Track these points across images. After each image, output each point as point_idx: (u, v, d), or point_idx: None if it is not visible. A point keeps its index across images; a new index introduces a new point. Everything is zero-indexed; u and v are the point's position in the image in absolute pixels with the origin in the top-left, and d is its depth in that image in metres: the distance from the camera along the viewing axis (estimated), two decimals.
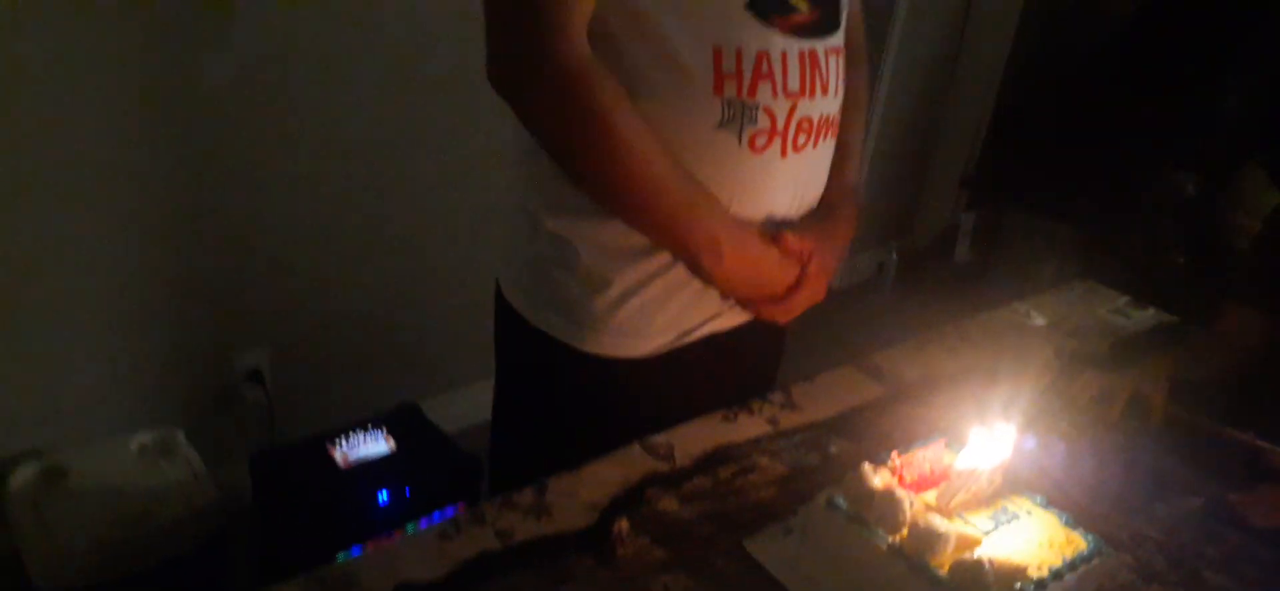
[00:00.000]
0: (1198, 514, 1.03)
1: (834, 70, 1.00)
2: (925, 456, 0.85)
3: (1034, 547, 0.79)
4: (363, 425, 1.78)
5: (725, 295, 1.02)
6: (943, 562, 0.74)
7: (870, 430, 1.07)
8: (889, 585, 0.74)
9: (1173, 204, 2.89)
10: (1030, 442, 0.93)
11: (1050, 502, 0.86)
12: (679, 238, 0.95)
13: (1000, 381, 1.17)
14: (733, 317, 1.06)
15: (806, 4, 0.95)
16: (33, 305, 1.63)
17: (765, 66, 0.92)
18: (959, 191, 3.51)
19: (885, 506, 0.77)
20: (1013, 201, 3.37)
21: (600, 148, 0.90)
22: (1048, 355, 1.31)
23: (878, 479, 0.82)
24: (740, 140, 0.93)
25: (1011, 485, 0.87)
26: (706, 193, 0.94)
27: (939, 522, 0.76)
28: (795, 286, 1.02)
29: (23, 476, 1.62)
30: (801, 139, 0.98)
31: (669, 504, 0.89)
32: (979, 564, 0.73)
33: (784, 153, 0.96)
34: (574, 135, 0.90)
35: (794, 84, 0.95)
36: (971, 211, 3.48)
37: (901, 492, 0.79)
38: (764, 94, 0.93)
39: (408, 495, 1.69)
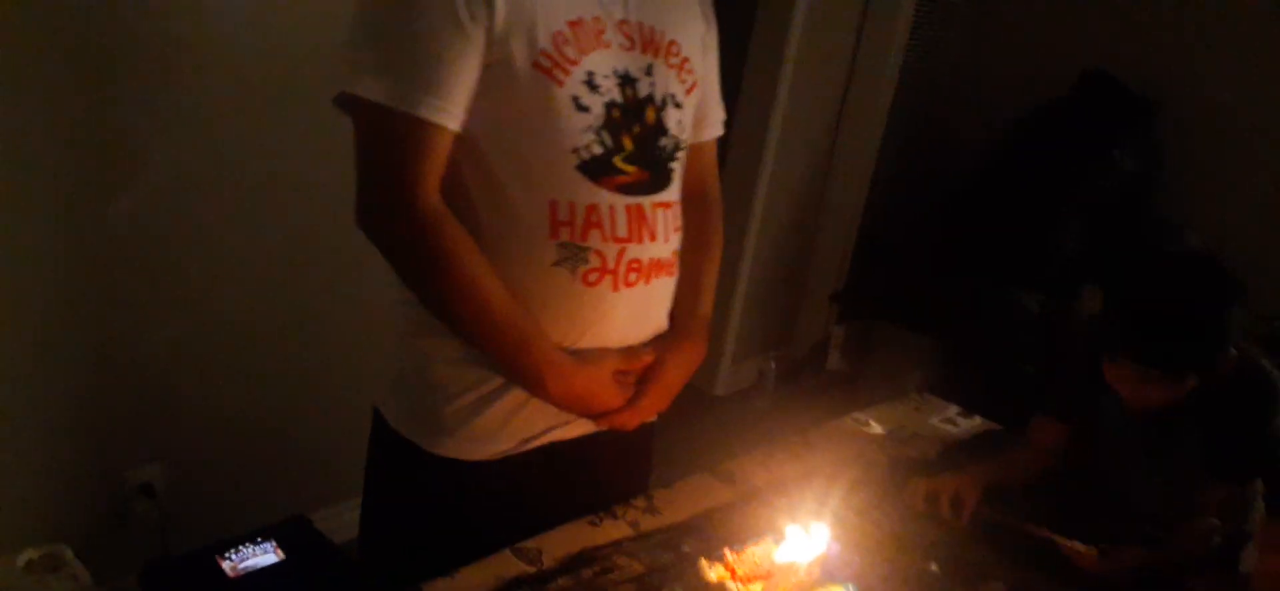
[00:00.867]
0: None
1: (662, 222, 1.15)
2: (755, 552, 1.00)
3: None
4: (252, 537, 1.83)
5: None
6: None
7: (718, 531, 1.21)
8: None
9: (1021, 321, 3.17)
10: (835, 547, 1.07)
11: None
12: (514, 366, 1.10)
13: (836, 485, 1.34)
14: (576, 428, 1.19)
15: (635, 167, 1.11)
16: None
17: (595, 216, 1.08)
18: (830, 305, 3.76)
19: None
20: (879, 314, 3.63)
21: (447, 286, 1.05)
22: (882, 461, 1.49)
23: (713, 573, 0.96)
24: (573, 276, 1.09)
25: (829, 576, 1.02)
26: (538, 328, 1.09)
27: None
28: (632, 400, 1.17)
29: None
30: (633, 277, 1.13)
31: None
32: None
33: (616, 288, 1.12)
34: (426, 274, 1.06)
35: (622, 231, 1.10)
36: (842, 324, 3.73)
37: (733, 585, 0.93)
38: (594, 238, 1.09)
39: None
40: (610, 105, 1.08)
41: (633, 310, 1.16)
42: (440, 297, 1.07)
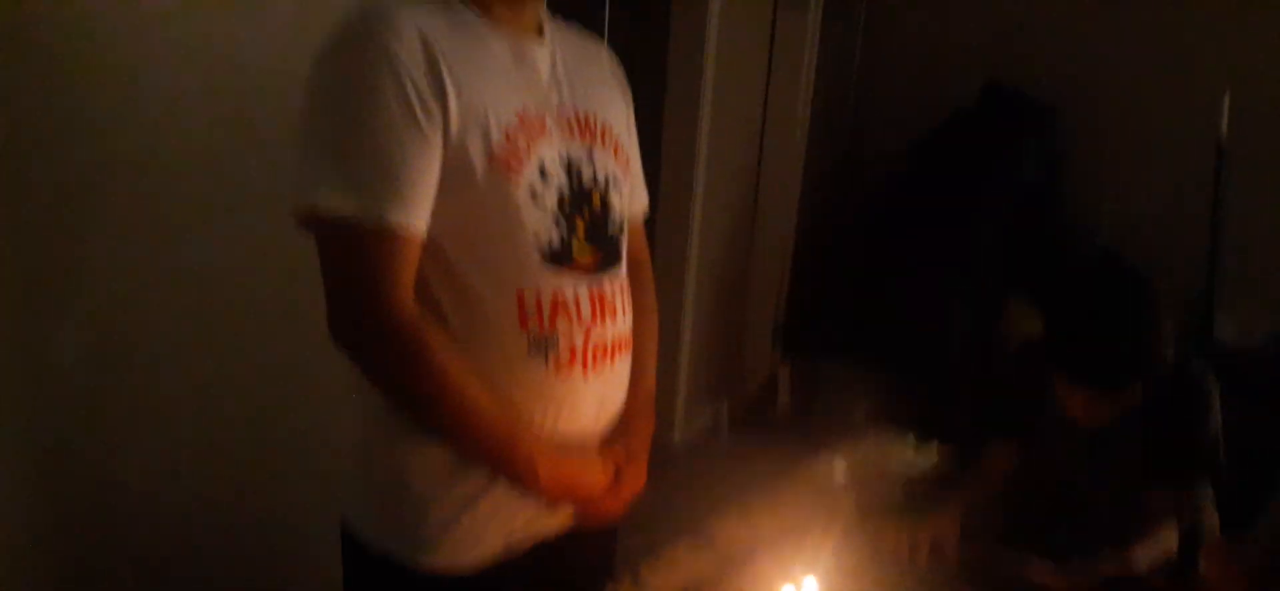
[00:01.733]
0: None
1: (619, 299, 1.20)
2: None
3: None
4: None
5: (550, 504, 1.18)
6: None
7: None
8: None
9: (955, 340, 3.29)
10: None
11: None
12: (503, 462, 1.11)
13: (815, 539, 1.38)
14: (558, 520, 1.21)
15: (590, 251, 1.15)
16: None
17: (561, 303, 1.12)
18: (773, 343, 3.84)
19: None
20: (821, 349, 3.72)
21: (429, 392, 1.05)
22: (852, 508, 1.54)
23: None
24: (546, 365, 1.11)
25: None
26: (522, 421, 1.11)
27: None
28: (613, 485, 1.20)
29: None
30: (599, 359, 1.16)
31: None
32: None
33: (585, 374, 1.15)
34: (407, 382, 1.06)
35: (587, 314, 1.14)
36: (788, 360, 3.81)
37: None
38: (561, 325, 1.12)
39: None
40: (562, 193, 1.12)
41: (601, 392, 1.19)
42: (426, 405, 1.07)
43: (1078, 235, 3.22)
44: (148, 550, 1.91)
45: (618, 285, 1.20)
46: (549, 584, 1.22)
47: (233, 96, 1.85)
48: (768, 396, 3.82)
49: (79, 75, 1.67)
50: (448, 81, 1.03)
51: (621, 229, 1.22)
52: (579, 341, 1.14)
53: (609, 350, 1.18)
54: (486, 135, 1.06)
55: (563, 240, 1.12)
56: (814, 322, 3.71)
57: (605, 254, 1.18)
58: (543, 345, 1.11)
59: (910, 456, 1.79)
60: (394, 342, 1.03)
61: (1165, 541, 1.50)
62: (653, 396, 1.32)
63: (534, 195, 1.09)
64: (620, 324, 1.20)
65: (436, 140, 1.03)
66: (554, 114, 1.15)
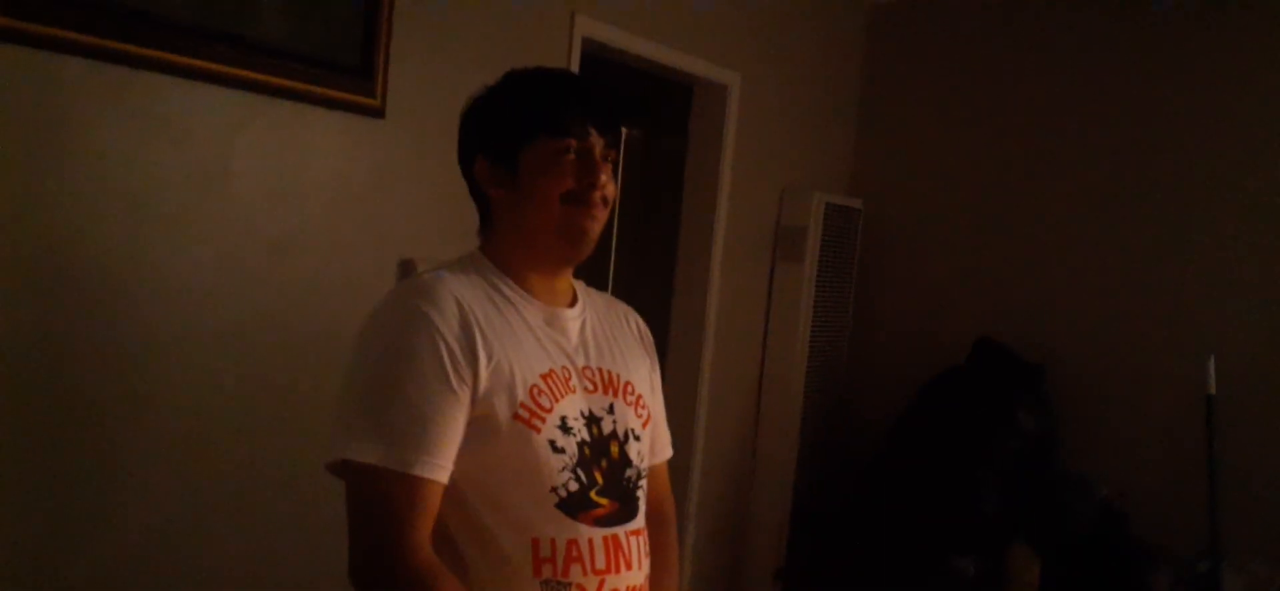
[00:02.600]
0: None
1: (635, 549, 1.24)
2: None
3: None
4: None
5: None
6: None
7: None
8: None
9: (958, 586, 3.25)
10: None
11: None
12: None
13: None
14: None
15: (608, 500, 1.21)
16: None
17: (576, 551, 1.17)
18: (774, 580, 3.79)
19: None
20: (824, 589, 3.67)
21: None
22: None
23: None
24: None
25: None
26: None
27: None
28: None
29: None
30: None
31: None
32: None
33: None
34: None
35: (601, 563, 1.19)
36: None
37: None
38: (576, 573, 1.17)
39: None
40: (582, 444, 1.20)
41: None
42: None
43: (1077, 484, 3.25)
44: None
45: (635, 535, 1.25)
46: None
47: (264, 357, 1.94)
48: None
49: (122, 343, 1.75)
50: (480, 346, 1.14)
51: (639, 480, 1.28)
52: (592, 589, 1.17)
53: None
54: (512, 394, 1.15)
55: (581, 489, 1.18)
56: (815, 566, 3.67)
57: (623, 504, 1.24)
58: None
59: None
60: (407, 585, 1.08)
61: None
62: None
63: (554, 447, 1.17)
64: (636, 574, 1.24)
65: (466, 398, 1.12)
66: (578, 371, 1.24)
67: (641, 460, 1.30)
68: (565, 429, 1.18)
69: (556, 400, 1.19)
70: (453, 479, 1.13)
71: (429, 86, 2.11)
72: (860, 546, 3.49)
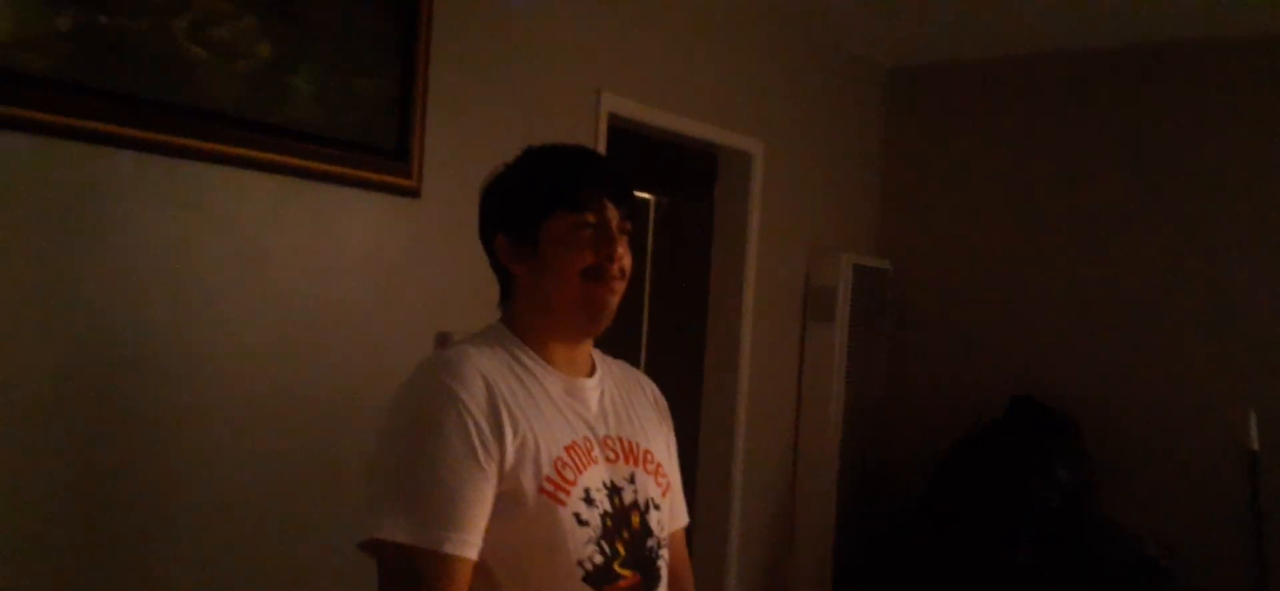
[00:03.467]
0: None
1: None
2: None
3: None
4: None
5: None
6: None
7: None
8: None
9: None
10: None
11: None
12: None
13: None
14: None
15: (630, 571, 1.22)
16: None
17: None
18: None
19: None
20: None
21: None
22: None
23: None
24: None
25: None
26: None
27: None
28: None
29: None
30: None
31: None
32: None
33: None
34: None
35: None
36: None
37: None
38: None
39: None
40: (605, 515, 1.20)
41: None
42: None
43: (1117, 538, 3.20)
44: None
45: None
46: None
47: (304, 433, 1.98)
48: None
49: (165, 422, 1.80)
50: (505, 422, 1.15)
51: (660, 549, 1.29)
52: None
53: None
54: (538, 466, 1.16)
55: (606, 561, 1.18)
56: None
57: (645, 575, 1.24)
58: None
59: None
60: None
61: None
62: None
63: (579, 520, 1.17)
64: None
65: (494, 474, 1.13)
66: (599, 442, 1.25)
67: (662, 529, 1.30)
68: (589, 500, 1.19)
69: (580, 472, 1.20)
70: (481, 555, 1.14)
71: (463, 165, 2.17)
72: None
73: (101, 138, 1.62)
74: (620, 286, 1.26)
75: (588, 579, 1.17)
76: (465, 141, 2.24)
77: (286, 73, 1.86)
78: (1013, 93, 3.70)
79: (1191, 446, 3.24)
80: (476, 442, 1.12)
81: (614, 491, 1.23)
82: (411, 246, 2.14)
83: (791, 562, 3.70)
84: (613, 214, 1.25)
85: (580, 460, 1.20)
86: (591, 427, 1.26)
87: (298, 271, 1.95)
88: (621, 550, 1.21)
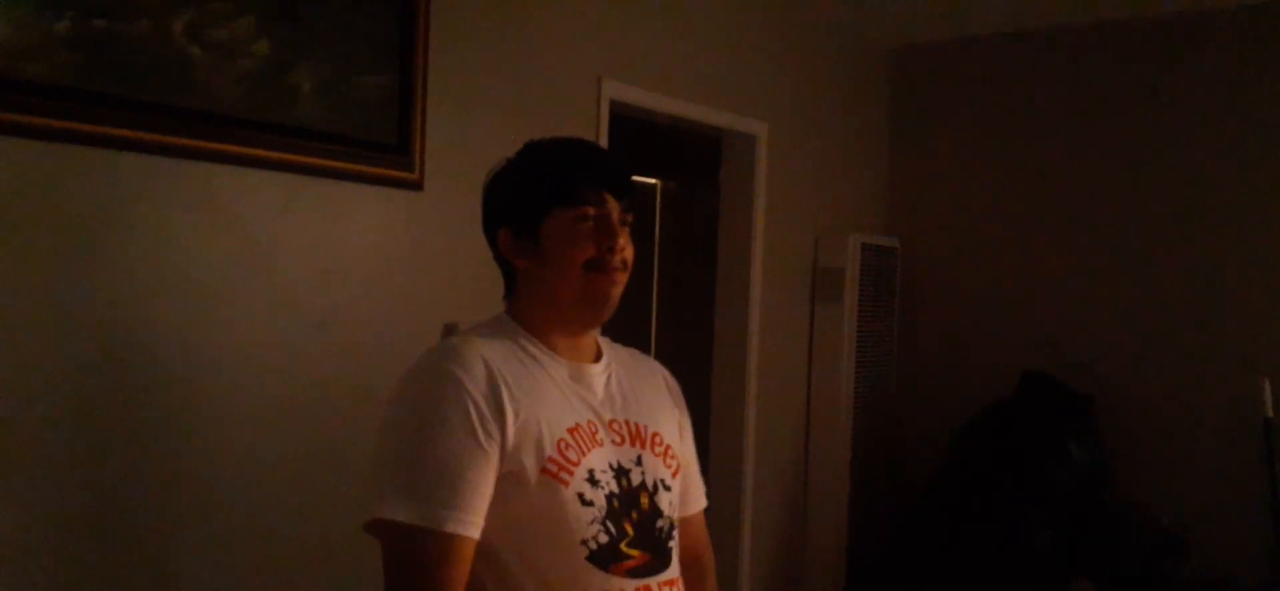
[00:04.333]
0: None
1: None
2: None
3: None
4: None
5: None
6: None
7: None
8: None
9: None
10: None
11: None
12: None
13: None
14: None
15: (638, 551, 1.23)
16: None
17: None
18: None
19: None
20: None
21: None
22: None
23: None
24: None
25: None
26: None
27: None
28: None
29: None
30: None
31: None
32: None
33: None
34: None
35: None
36: None
37: None
38: None
39: None
40: (610, 496, 1.22)
41: None
42: None
43: (1134, 513, 3.19)
44: None
45: (668, 585, 1.26)
46: None
47: (311, 427, 1.99)
48: None
49: (173, 420, 1.82)
50: (507, 404, 1.17)
51: (671, 530, 1.30)
52: None
53: None
54: (540, 448, 1.18)
55: (611, 541, 1.20)
56: None
57: (654, 555, 1.25)
58: None
59: None
60: None
61: None
62: None
63: (583, 500, 1.19)
64: None
65: (495, 455, 1.15)
66: (605, 425, 1.27)
67: (673, 510, 1.31)
68: (593, 481, 1.21)
69: (583, 454, 1.21)
70: (484, 536, 1.16)
71: (465, 156, 2.18)
72: (915, 582, 3.45)
73: (103, 141, 1.63)
74: (622, 277, 1.28)
75: (592, 558, 1.18)
76: (467, 133, 2.24)
77: (286, 70, 1.87)
78: (1019, 67, 3.67)
79: (1206, 416, 3.22)
80: (477, 423, 1.14)
81: (620, 473, 1.25)
82: (416, 239, 2.15)
83: (805, 546, 3.70)
84: (613, 206, 1.26)
85: (584, 442, 1.22)
86: (596, 411, 1.27)
87: (304, 268, 1.96)
88: (629, 530, 1.22)
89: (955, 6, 3.47)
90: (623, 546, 1.21)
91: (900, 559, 3.59)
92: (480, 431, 1.14)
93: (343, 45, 1.95)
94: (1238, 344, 3.17)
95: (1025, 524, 3.20)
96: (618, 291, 1.28)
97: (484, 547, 1.16)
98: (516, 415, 1.17)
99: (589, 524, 1.19)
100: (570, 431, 1.22)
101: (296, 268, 1.95)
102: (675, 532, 1.31)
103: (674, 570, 1.29)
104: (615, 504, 1.22)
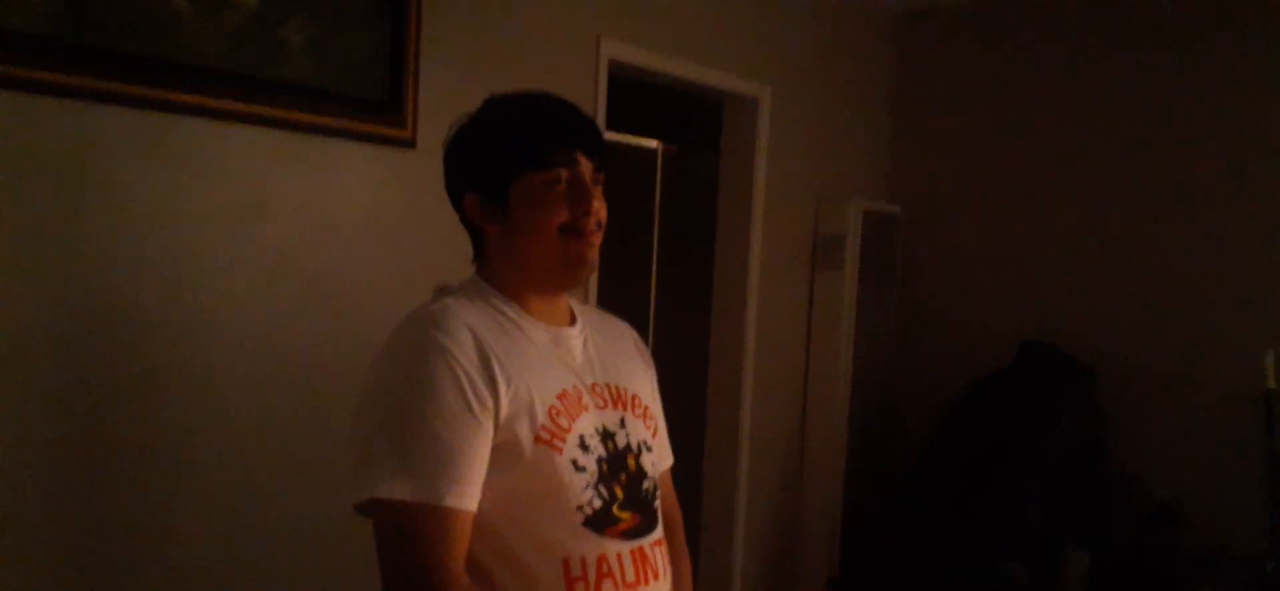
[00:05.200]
0: None
1: (660, 558, 1.26)
2: None
3: None
4: None
5: None
6: None
7: None
8: None
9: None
10: None
11: None
12: None
13: None
14: None
15: (629, 513, 1.22)
16: None
17: (606, 567, 1.18)
18: (828, 583, 3.75)
19: None
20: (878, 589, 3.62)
21: None
22: None
23: None
24: None
25: None
26: None
27: None
28: None
29: None
30: None
31: None
32: None
33: None
34: None
35: (630, 576, 1.20)
36: None
37: None
38: (608, 588, 1.18)
39: None
40: (600, 460, 1.21)
41: None
42: None
43: (1126, 486, 3.18)
44: None
45: (658, 545, 1.27)
46: None
47: (302, 388, 1.98)
48: None
49: (161, 381, 1.80)
50: (498, 374, 1.14)
51: (655, 490, 1.29)
52: None
53: None
54: (533, 416, 1.16)
55: (604, 505, 1.19)
56: (869, 564, 3.63)
57: (643, 516, 1.25)
58: None
59: None
60: None
61: None
62: None
63: (576, 466, 1.18)
64: (663, 583, 1.26)
65: (489, 426, 1.13)
66: (588, 390, 1.25)
67: (654, 471, 1.31)
68: (584, 447, 1.19)
69: (573, 419, 1.19)
70: (481, 508, 1.13)
71: (458, 114, 2.14)
72: (910, 554, 3.45)
73: (86, 94, 1.60)
74: (598, 239, 1.24)
75: (588, 523, 1.17)
76: (460, 91, 2.19)
77: (275, 25, 1.83)
78: (1025, 34, 3.61)
79: (1207, 388, 3.20)
80: (470, 395, 1.11)
81: (607, 436, 1.23)
82: (408, 198, 2.12)
83: (800, 513, 3.70)
84: (585, 167, 1.22)
85: (572, 408, 1.20)
86: (579, 376, 1.25)
87: (294, 226, 1.93)
88: (619, 493, 1.21)
89: None
90: (615, 510, 1.20)
91: (896, 528, 3.59)
92: (475, 403, 1.11)
93: (333, 0, 1.92)
94: (1240, 316, 3.14)
95: (1020, 494, 3.19)
96: (593, 254, 1.24)
97: (479, 520, 1.14)
98: (508, 385, 1.14)
99: (583, 489, 1.17)
100: (559, 397, 1.19)
101: (286, 226, 1.92)
102: (658, 493, 1.31)
103: (660, 530, 1.29)
104: (605, 467, 1.21)
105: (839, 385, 3.61)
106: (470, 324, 1.17)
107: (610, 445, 1.23)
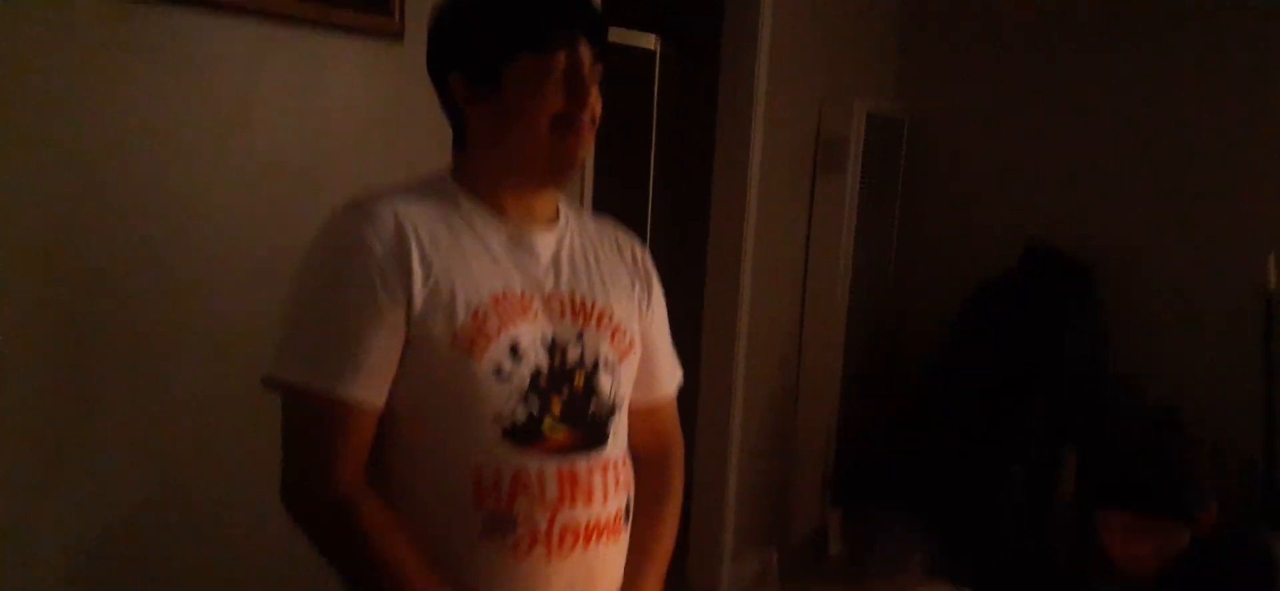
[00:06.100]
0: None
1: (599, 482, 1.17)
2: None
3: None
4: None
5: None
6: None
7: None
8: None
9: (1009, 498, 3.23)
10: None
11: None
12: None
13: None
14: None
15: (566, 429, 1.15)
16: None
17: (523, 482, 1.11)
18: (823, 490, 3.79)
19: None
20: (873, 498, 3.66)
21: (365, 567, 1.07)
22: None
23: None
24: (503, 546, 1.11)
25: None
26: None
27: None
28: None
29: None
30: (569, 543, 1.14)
31: None
32: None
33: (549, 558, 1.13)
34: (344, 555, 1.08)
35: (552, 495, 1.12)
36: (838, 507, 3.75)
37: None
38: (521, 505, 1.11)
39: None
40: (537, 372, 1.13)
41: (572, 579, 1.16)
42: (358, 579, 1.09)
43: (1129, 392, 3.18)
44: None
45: (599, 467, 1.18)
46: None
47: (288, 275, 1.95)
48: (819, 545, 3.75)
49: (144, 283, 1.78)
50: (416, 267, 1.08)
51: (612, 412, 1.21)
52: (542, 524, 1.12)
53: (583, 534, 1.15)
54: (451, 316, 1.09)
55: (532, 418, 1.12)
56: (865, 473, 3.67)
57: (585, 434, 1.17)
58: (500, 525, 1.11)
59: None
60: (332, 512, 1.06)
61: None
62: None
63: (499, 373, 1.11)
64: (600, 508, 1.17)
65: (397, 320, 1.07)
66: (542, 297, 1.17)
67: (615, 391, 1.22)
68: (516, 354, 1.12)
69: (506, 325, 1.12)
70: (390, 408, 1.09)
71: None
72: (910, 457, 3.48)
73: None
74: (590, 137, 1.17)
75: (508, 434, 1.11)
76: None
77: None
78: None
79: (1208, 292, 3.18)
80: (378, 285, 1.06)
81: (554, 348, 1.16)
82: (397, 92, 2.07)
83: (798, 414, 3.72)
84: (585, 54, 1.15)
85: (509, 312, 1.13)
86: (537, 280, 1.18)
87: (280, 123, 1.89)
88: (556, 408, 1.14)
89: None
90: (546, 425, 1.13)
91: (896, 428, 3.61)
92: (382, 294, 1.06)
93: None
94: (1245, 219, 3.10)
95: (1021, 397, 3.20)
96: (584, 153, 1.17)
97: (389, 421, 1.09)
98: (426, 278, 1.08)
99: (505, 399, 1.11)
100: (494, 299, 1.12)
101: (272, 122, 1.87)
102: (616, 414, 1.22)
103: (612, 452, 1.20)
104: (542, 380, 1.13)
105: (838, 289, 3.59)
106: (405, 214, 1.11)
107: (556, 357, 1.15)
